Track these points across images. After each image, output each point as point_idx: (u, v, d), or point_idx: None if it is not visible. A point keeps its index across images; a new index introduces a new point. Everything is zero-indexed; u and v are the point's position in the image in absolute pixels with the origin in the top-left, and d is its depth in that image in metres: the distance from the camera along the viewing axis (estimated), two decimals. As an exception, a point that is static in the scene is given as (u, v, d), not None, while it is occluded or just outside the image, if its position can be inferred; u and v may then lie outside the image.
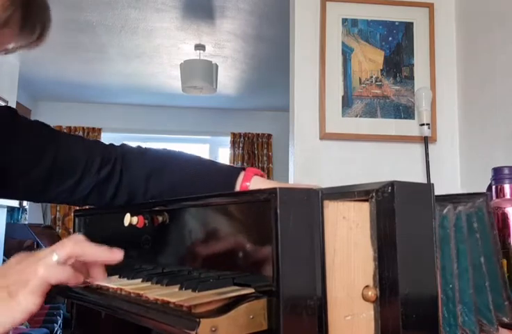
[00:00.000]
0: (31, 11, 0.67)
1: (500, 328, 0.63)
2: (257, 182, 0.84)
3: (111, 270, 0.63)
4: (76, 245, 0.56)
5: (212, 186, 0.83)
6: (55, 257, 0.54)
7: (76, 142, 0.87)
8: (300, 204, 0.45)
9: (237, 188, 0.84)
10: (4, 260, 3.81)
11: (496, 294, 0.63)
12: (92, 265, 0.60)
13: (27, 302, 0.51)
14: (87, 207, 0.91)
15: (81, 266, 0.60)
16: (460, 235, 0.60)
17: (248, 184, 0.84)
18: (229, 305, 0.44)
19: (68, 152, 0.84)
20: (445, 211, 0.59)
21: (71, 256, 0.55)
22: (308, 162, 1.95)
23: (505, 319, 0.66)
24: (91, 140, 0.91)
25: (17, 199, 0.96)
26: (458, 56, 2.05)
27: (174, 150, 0.92)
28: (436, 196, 0.51)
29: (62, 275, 0.53)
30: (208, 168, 0.89)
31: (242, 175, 0.86)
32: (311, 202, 0.46)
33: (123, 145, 0.91)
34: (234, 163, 5.65)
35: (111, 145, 0.91)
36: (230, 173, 0.87)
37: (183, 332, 0.42)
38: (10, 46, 0.68)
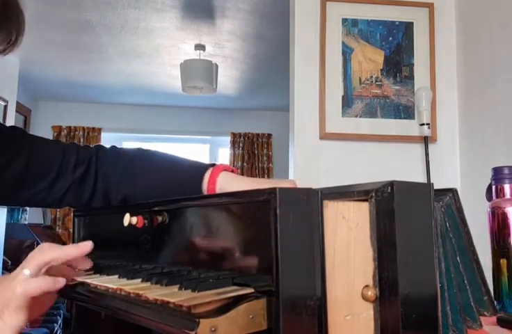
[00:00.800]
0: (6, 17, 0.68)
1: (483, 324, 0.63)
2: (227, 178, 0.83)
3: (112, 270, 0.63)
4: (42, 254, 0.58)
5: (180, 185, 0.84)
6: (26, 272, 0.56)
7: (52, 145, 0.88)
8: (299, 204, 0.45)
9: (205, 184, 0.82)
10: (4, 260, 3.81)
11: (475, 290, 0.64)
12: (72, 264, 0.64)
13: (12, 320, 0.54)
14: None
15: (61, 269, 0.62)
16: (436, 236, 0.59)
17: (216, 178, 0.82)
18: (228, 305, 0.44)
19: (43, 154, 0.85)
20: None
21: (40, 266, 0.57)
22: (308, 162, 1.95)
23: (486, 313, 0.67)
24: (66, 142, 0.92)
25: None
26: (458, 56, 2.05)
27: (147, 150, 0.91)
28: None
29: (40, 285, 0.55)
30: (176, 166, 0.88)
31: (210, 171, 0.84)
32: (310, 202, 0.46)
33: (98, 146, 0.92)
34: (234, 163, 5.65)
35: (86, 146, 0.92)
36: (198, 170, 0.85)
37: (182, 332, 0.42)
38: None
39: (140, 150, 0.91)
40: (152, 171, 0.87)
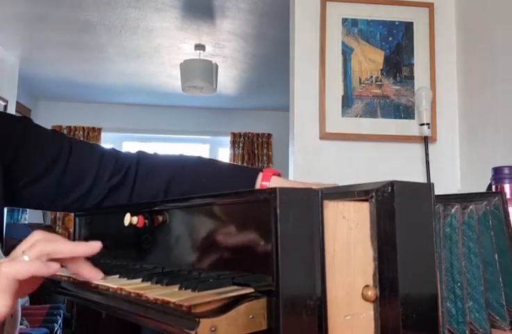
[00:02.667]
0: None
1: None
2: (277, 182, 0.85)
3: (112, 269, 0.63)
4: (46, 244, 0.54)
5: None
6: (26, 258, 0.52)
7: (89, 151, 0.87)
8: (299, 204, 0.45)
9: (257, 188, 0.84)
10: (4, 260, 3.80)
11: (510, 290, 0.64)
12: (73, 265, 0.58)
13: None
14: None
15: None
16: (471, 234, 0.60)
17: (266, 183, 0.84)
18: (228, 305, 0.44)
19: (80, 161, 0.85)
20: (453, 210, 0.59)
21: (42, 254, 0.53)
22: (308, 162, 1.95)
23: None
24: (106, 148, 0.91)
25: (29, 208, 0.96)
26: (458, 56, 2.05)
27: (190, 156, 0.92)
28: (441, 196, 0.51)
29: (29, 268, 0.50)
30: (226, 172, 0.90)
31: (260, 175, 0.86)
32: (311, 202, 0.46)
33: (139, 153, 0.92)
34: (234, 163, 5.65)
35: (126, 152, 0.92)
36: (249, 175, 0.87)
37: (182, 332, 0.42)
38: None
39: (185, 157, 0.92)
40: (201, 179, 0.87)
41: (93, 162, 0.86)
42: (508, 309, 0.63)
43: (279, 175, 0.88)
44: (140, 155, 0.91)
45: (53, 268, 0.52)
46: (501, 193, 0.65)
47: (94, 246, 0.56)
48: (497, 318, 0.62)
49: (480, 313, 0.58)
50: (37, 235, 0.57)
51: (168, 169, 0.88)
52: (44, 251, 0.54)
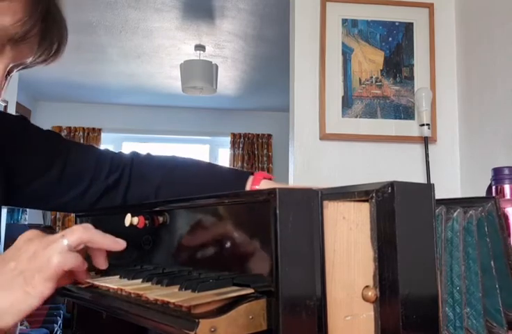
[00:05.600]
0: (49, 26, 0.67)
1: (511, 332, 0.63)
2: (267, 185, 0.85)
3: (112, 270, 0.63)
4: (85, 231, 0.56)
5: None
6: (65, 242, 0.53)
7: (86, 152, 0.88)
8: (299, 204, 0.45)
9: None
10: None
11: (507, 295, 0.64)
12: (95, 253, 0.60)
13: (42, 287, 0.51)
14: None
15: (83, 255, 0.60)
16: (470, 239, 0.60)
17: (257, 187, 0.85)
18: (228, 306, 0.44)
19: (77, 161, 0.85)
20: (455, 214, 0.59)
21: (81, 242, 0.55)
22: (308, 162, 1.95)
23: None
24: (102, 149, 0.92)
25: (25, 207, 0.97)
26: (458, 56, 2.05)
27: (181, 157, 0.93)
28: (444, 199, 0.51)
29: (74, 262, 0.53)
30: (216, 174, 0.90)
31: (251, 179, 0.86)
32: (311, 202, 0.46)
33: (133, 153, 0.92)
34: (234, 163, 5.65)
35: (121, 153, 0.93)
36: (239, 177, 0.87)
37: (182, 332, 0.42)
38: (28, 61, 0.68)
39: (177, 158, 0.92)
40: (192, 181, 0.88)
41: (90, 162, 0.86)
42: (506, 313, 0.63)
43: (270, 179, 0.88)
44: (134, 156, 0.91)
45: (85, 268, 0.56)
46: (494, 198, 0.65)
47: (122, 244, 0.59)
48: (494, 324, 0.62)
49: (477, 320, 0.58)
50: (76, 226, 0.58)
51: (159, 171, 0.89)
52: (83, 239, 0.55)
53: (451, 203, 0.62)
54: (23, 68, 0.70)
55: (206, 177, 0.89)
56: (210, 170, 0.92)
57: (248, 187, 0.86)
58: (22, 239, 0.55)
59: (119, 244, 0.58)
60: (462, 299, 0.56)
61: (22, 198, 0.84)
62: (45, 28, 0.67)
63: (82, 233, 0.55)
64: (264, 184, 0.86)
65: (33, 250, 0.53)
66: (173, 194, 0.87)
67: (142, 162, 0.90)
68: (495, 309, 0.61)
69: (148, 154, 0.93)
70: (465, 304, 0.57)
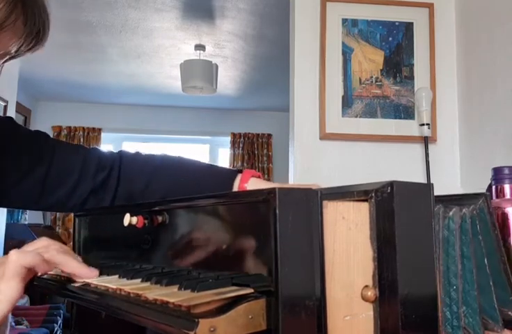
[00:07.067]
0: (31, 12, 0.67)
1: (506, 330, 0.63)
2: (255, 183, 0.85)
3: (112, 270, 0.63)
4: (58, 254, 0.59)
5: (211, 191, 0.84)
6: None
7: (73, 152, 0.88)
8: (299, 204, 0.45)
9: (235, 190, 0.85)
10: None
11: (501, 291, 0.64)
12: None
13: (8, 289, 0.52)
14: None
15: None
16: (465, 238, 0.60)
17: (245, 185, 0.84)
18: (228, 305, 0.44)
19: (64, 160, 0.85)
20: (451, 213, 0.59)
21: (50, 261, 0.57)
22: (308, 162, 1.95)
23: (511, 314, 0.66)
24: (88, 148, 0.92)
25: (14, 207, 0.97)
26: (458, 56, 2.05)
27: (171, 156, 0.93)
28: (440, 196, 0.51)
29: (34, 260, 0.54)
30: (205, 172, 0.90)
31: (239, 176, 0.86)
32: (310, 202, 0.46)
33: (121, 152, 0.92)
34: (234, 163, 5.65)
35: (109, 151, 0.92)
36: (228, 176, 0.87)
37: (182, 332, 0.42)
38: (13, 49, 0.67)
39: (166, 157, 0.92)
40: (180, 179, 0.88)
41: (77, 161, 0.86)
42: (501, 309, 0.63)
43: (259, 177, 0.88)
44: (122, 155, 0.91)
45: (50, 268, 0.59)
46: (484, 194, 0.64)
47: (95, 273, 0.61)
48: (490, 321, 0.62)
49: (473, 318, 0.58)
50: (47, 242, 0.61)
51: (147, 169, 0.88)
52: (55, 260, 0.58)
53: (441, 201, 0.61)
54: (10, 58, 0.69)
55: (194, 176, 0.88)
56: (199, 168, 0.91)
57: (236, 185, 0.85)
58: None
59: (92, 273, 0.61)
60: (458, 298, 0.56)
61: (9, 199, 0.83)
62: (26, 15, 0.66)
63: (56, 255, 0.59)
64: (253, 182, 0.85)
65: None
66: (161, 192, 0.87)
67: (130, 161, 0.90)
68: (490, 307, 0.61)
69: (136, 153, 0.92)
70: (461, 303, 0.57)
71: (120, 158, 0.89)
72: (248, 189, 0.84)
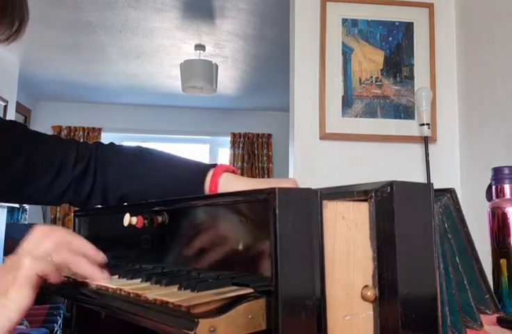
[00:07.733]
0: (8, 4, 0.67)
1: (484, 324, 0.63)
2: (228, 179, 0.83)
3: (111, 270, 0.63)
4: (72, 256, 0.57)
5: (182, 185, 0.84)
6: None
7: (52, 142, 0.88)
8: (299, 204, 0.45)
9: (207, 184, 0.83)
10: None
11: (476, 289, 0.63)
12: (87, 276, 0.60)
13: (19, 297, 0.50)
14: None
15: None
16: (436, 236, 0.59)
17: (218, 179, 0.83)
18: (228, 305, 0.44)
19: (43, 151, 0.85)
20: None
21: (64, 263, 0.56)
22: (308, 162, 1.95)
23: (488, 312, 0.66)
24: (67, 139, 0.92)
25: None
26: (458, 56, 2.05)
27: (147, 149, 0.92)
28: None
29: (47, 267, 0.53)
30: (177, 166, 0.89)
31: (211, 171, 0.85)
32: (310, 202, 0.46)
33: (97, 143, 0.92)
34: (234, 163, 5.65)
35: (86, 142, 0.93)
36: (200, 171, 0.86)
37: (181, 332, 0.42)
38: None
39: (139, 148, 0.92)
40: (152, 171, 0.87)
41: (56, 151, 0.86)
42: (478, 307, 0.63)
43: (234, 172, 0.86)
44: (99, 145, 0.91)
45: (61, 277, 0.57)
46: (450, 190, 0.63)
47: (106, 276, 0.59)
48: (469, 319, 0.62)
49: (455, 316, 0.58)
50: (63, 234, 0.59)
51: (122, 162, 0.88)
52: (68, 261, 0.57)
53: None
54: None
55: (169, 169, 0.88)
56: (173, 160, 0.90)
57: (207, 180, 0.84)
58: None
59: (103, 276, 0.58)
60: (443, 297, 0.56)
61: None
62: (4, 7, 0.66)
63: (70, 258, 0.57)
64: (226, 177, 0.84)
65: (9, 264, 0.53)
66: (138, 183, 0.86)
67: (107, 151, 0.90)
68: (467, 305, 0.61)
69: (111, 143, 0.93)
70: (446, 302, 0.57)
71: (96, 149, 0.90)
72: (219, 185, 0.83)
